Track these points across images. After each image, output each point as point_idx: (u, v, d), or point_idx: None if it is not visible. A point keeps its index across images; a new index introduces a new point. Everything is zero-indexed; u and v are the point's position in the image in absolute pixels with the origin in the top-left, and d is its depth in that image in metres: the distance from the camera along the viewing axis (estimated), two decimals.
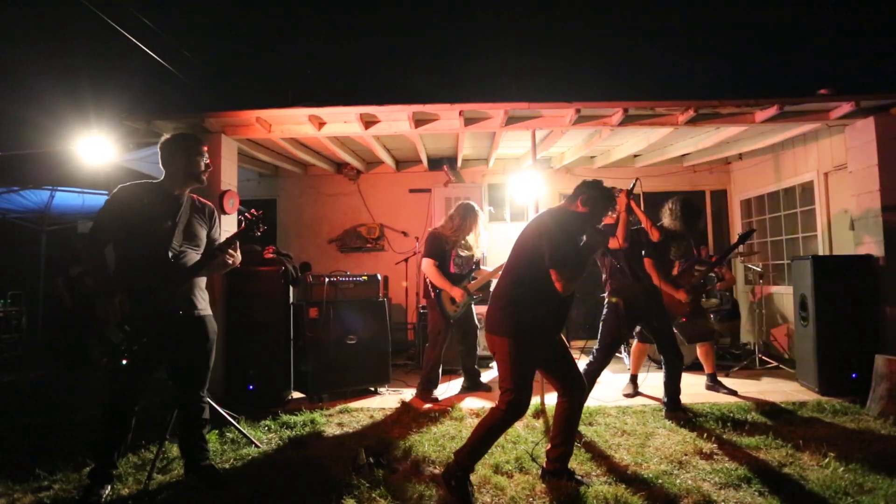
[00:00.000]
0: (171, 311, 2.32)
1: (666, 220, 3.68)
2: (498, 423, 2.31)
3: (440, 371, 4.14)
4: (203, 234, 2.48)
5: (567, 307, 2.45)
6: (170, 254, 2.31)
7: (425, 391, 4.02)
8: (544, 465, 2.51)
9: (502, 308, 2.36)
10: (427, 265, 4.00)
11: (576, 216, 2.46)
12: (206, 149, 2.49)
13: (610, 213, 2.60)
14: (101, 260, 2.30)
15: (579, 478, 2.44)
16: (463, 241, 4.07)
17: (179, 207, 2.41)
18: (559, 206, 2.58)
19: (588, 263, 2.42)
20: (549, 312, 2.35)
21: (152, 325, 2.27)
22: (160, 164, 2.43)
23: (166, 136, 2.45)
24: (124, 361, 2.20)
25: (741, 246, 4.15)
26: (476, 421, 3.38)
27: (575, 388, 2.45)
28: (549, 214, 2.46)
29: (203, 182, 2.49)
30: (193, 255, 2.41)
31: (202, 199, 2.58)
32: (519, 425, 3.27)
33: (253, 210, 2.46)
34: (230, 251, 2.43)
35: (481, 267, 4.25)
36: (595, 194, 2.47)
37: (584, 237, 2.44)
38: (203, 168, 2.46)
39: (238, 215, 2.46)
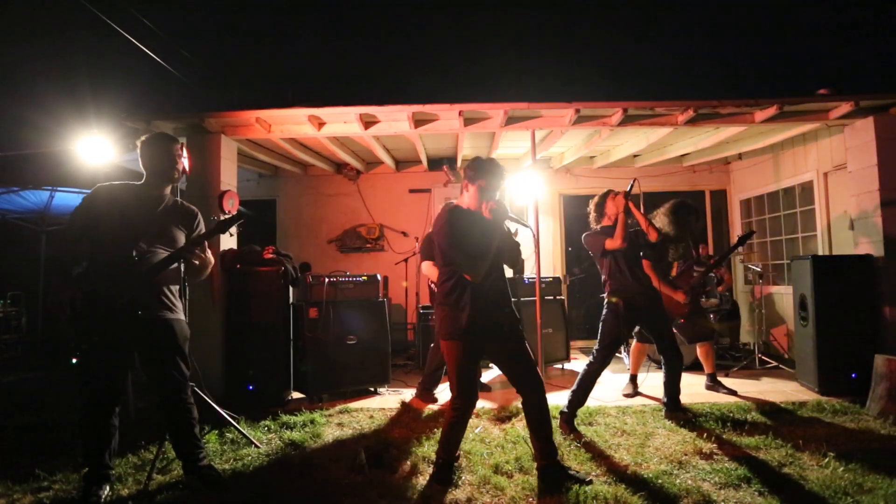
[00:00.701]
0: (130, 312, 2.26)
1: (657, 222, 3.68)
2: (453, 421, 2.43)
3: (442, 372, 4.14)
4: (181, 237, 2.45)
5: (496, 300, 2.44)
6: (134, 253, 2.27)
7: (426, 391, 4.03)
8: (536, 466, 2.52)
9: (437, 311, 2.47)
10: (426, 267, 4.01)
11: (456, 210, 2.46)
12: (178, 147, 2.46)
13: (501, 186, 2.48)
14: (66, 256, 2.30)
15: (574, 473, 2.43)
16: None
17: (157, 208, 2.40)
18: (447, 206, 2.55)
19: (490, 245, 2.36)
20: (476, 308, 2.36)
21: (107, 325, 2.23)
22: (139, 166, 2.44)
23: (143, 138, 2.44)
24: (74, 360, 2.19)
25: (741, 247, 4.15)
26: (476, 420, 3.40)
27: (527, 385, 2.45)
28: (440, 215, 2.47)
29: (174, 180, 2.46)
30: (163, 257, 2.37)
31: (186, 204, 2.56)
32: (519, 425, 3.27)
33: (231, 210, 2.43)
34: (197, 251, 2.39)
35: None
36: (471, 173, 2.44)
37: (488, 217, 2.38)
38: (170, 165, 2.42)
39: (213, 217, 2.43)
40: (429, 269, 4.00)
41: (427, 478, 2.49)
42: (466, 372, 2.40)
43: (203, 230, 2.56)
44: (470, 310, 2.35)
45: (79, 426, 2.31)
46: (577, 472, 2.47)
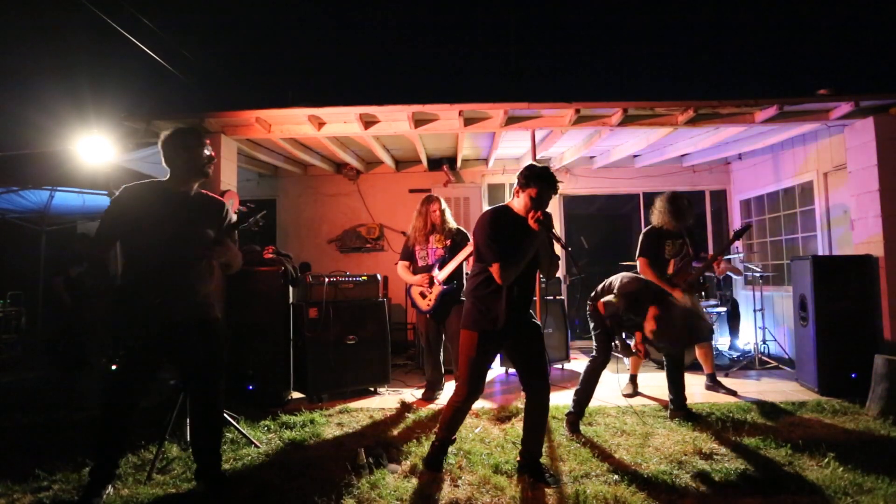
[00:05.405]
0: (165, 315, 2.25)
1: (655, 217, 3.67)
2: (457, 407, 2.54)
3: (439, 373, 4.15)
4: (209, 234, 2.37)
5: (521, 304, 2.48)
6: (166, 256, 2.25)
7: (427, 390, 4.11)
8: (517, 461, 2.58)
9: (466, 301, 2.56)
10: (398, 267, 4.16)
11: (502, 210, 2.50)
12: (207, 141, 2.44)
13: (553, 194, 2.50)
14: (100, 261, 2.27)
15: (549, 477, 2.45)
16: (426, 235, 4.03)
17: (185, 206, 2.34)
18: (499, 204, 2.60)
19: (527, 251, 2.38)
20: (501, 307, 2.41)
21: (147, 328, 2.22)
22: (163, 163, 2.37)
23: (165, 133, 2.38)
24: (113, 366, 2.18)
25: (738, 241, 4.15)
26: (475, 420, 3.40)
27: (535, 387, 2.51)
28: (484, 213, 2.53)
29: (208, 175, 2.43)
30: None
31: (210, 194, 2.50)
32: (519, 425, 3.26)
33: (249, 204, 2.40)
34: (218, 250, 2.34)
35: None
36: (524, 181, 2.45)
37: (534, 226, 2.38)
38: (206, 161, 2.39)
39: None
40: (398, 269, 4.14)
41: (427, 478, 2.49)
42: (477, 365, 2.47)
43: (232, 221, 2.50)
44: (495, 308, 2.42)
45: (98, 422, 2.28)
46: (551, 474, 2.49)
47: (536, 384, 2.51)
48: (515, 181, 2.50)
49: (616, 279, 3.30)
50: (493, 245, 2.37)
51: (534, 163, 2.57)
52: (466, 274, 4.50)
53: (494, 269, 2.35)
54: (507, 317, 2.41)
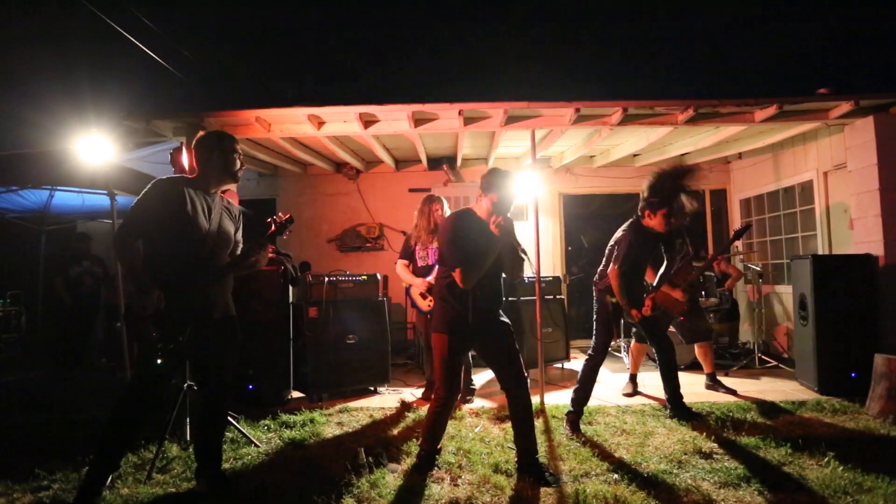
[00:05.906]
0: (203, 312, 2.25)
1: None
2: (438, 411, 2.54)
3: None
4: (232, 233, 2.43)
5: (490, 302, 2.52)
6: (204, 253, 2.25)
7: (427, 389, 4.11)
8: (516, 463, 2.59)
9: (435, 305, 2.59)
10: (397, 266, 4.14)
11: (465, 215, 2.54)
12: (240, 147, 2.48)
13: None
14: (134, 253, 2.22)
15: (549, 476, 2.46)
16: (430, 234, 4.03)
17: (213, 206, 2.36)
18: (462, 209, 2.64)
19: (489, 255, 2.43)
20: (469, 307, 2.44)
21: (185, 325, 2.20)
22: (195, 162, 2.38)
23: (202, 133, 2.42)
24: (159, 361, 2.17)
25: (738, 241, 4.15)
26: (476, 420, 3.40)
27: (512, 383, 2.53)
28: (447, 218, 2.56)
29: (238, 180, 2.49)
30: (224, 256, 2.36)
31: (230, 200, 2.55)
32: None
33: (281, 213, 2.44)
34: (262, 253, 2.40)
35: None
36: (486, 186, 2.52)
37: (495, 227, 2.43)
38: (239, 166, 2.44)
39: (267, 218, 2.45)
40: (397, 268, 4.12)
41: (427, 477, 2.50)
42: (453, 365, 2.50)
43: (271, 230, 2.51)
44: (463, 308, 2.45)
45: (113, 418, 2.23)
46: (551, 473, 2.50)
47: (514, 383, 2.53)
48: (481, 182, 2.54)
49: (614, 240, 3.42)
50: (454, 250, 2.41)
51: (496, 167, 2.60)
52: None
53: (456, 274, 2.39)
54: (473, 311, 2.45)
